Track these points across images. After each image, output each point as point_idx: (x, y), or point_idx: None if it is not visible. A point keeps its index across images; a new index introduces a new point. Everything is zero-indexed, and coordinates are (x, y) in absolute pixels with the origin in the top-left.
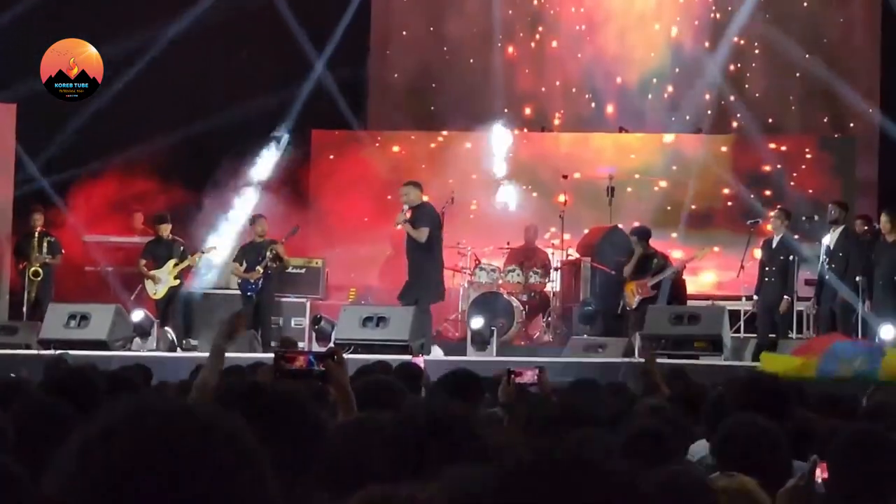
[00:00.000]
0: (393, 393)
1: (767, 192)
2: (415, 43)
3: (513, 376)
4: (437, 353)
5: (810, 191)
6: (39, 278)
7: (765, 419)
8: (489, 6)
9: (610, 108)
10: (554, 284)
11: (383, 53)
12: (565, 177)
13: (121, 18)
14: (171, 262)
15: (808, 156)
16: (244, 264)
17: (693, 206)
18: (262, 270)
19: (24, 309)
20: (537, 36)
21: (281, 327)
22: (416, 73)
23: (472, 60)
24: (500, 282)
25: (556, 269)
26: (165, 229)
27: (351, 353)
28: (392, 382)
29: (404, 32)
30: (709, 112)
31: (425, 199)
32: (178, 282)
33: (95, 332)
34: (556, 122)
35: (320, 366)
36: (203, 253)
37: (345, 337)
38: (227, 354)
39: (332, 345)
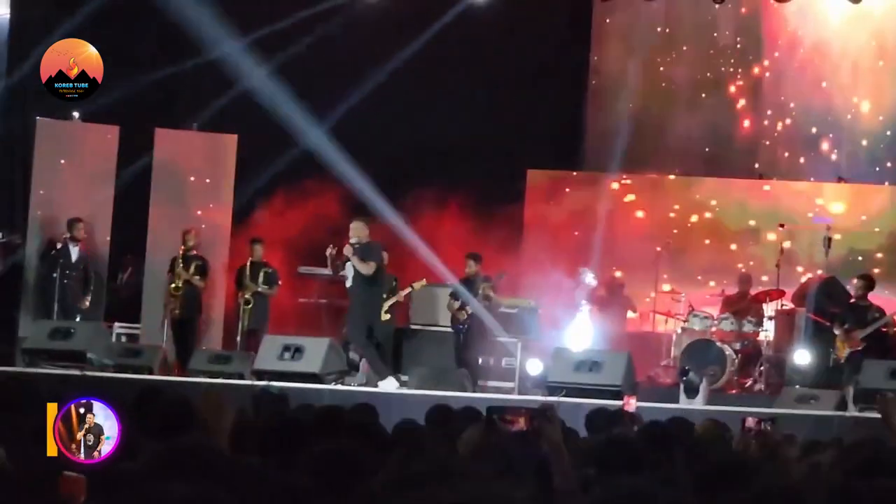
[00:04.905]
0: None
1: None
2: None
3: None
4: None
5: None
6: (250, 306)
7: None
8: (708, 50)
9: (830, 156)
10: (768, 333)
11: (601, 92)
12: (782, 225)
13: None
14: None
15: None
16: (459, 300)
17: None
18: (468, 312)
19: (238, 338)
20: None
21: (491, 367)
22: (631, 113)
23: (689, 109)
24: (714, 329)
25: (770, 319)
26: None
27: (563, 396)
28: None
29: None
30: None
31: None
32: (388, 316)
33: (309, 366)
34: (772, 168)
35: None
36: (413, 288)
37: (556, 380)
38: (435, 392)
39: (545, 400)
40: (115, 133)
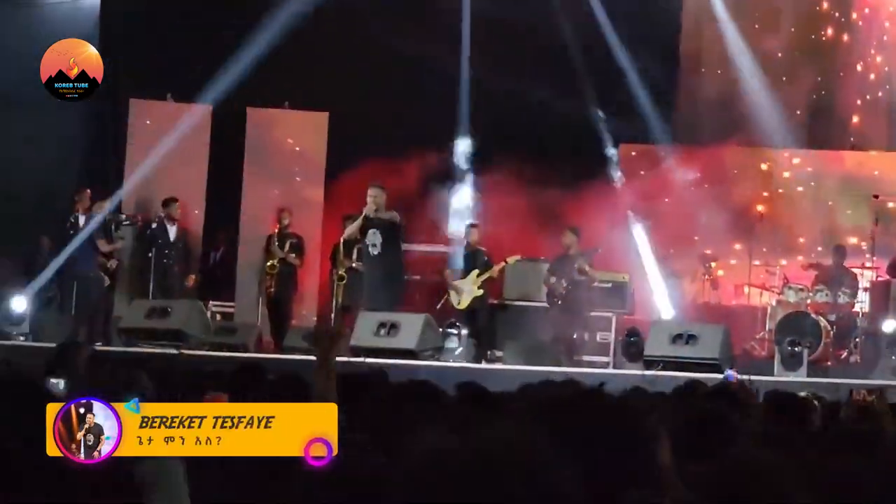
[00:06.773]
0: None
1: None
2: (723, 56)
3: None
4: None
5: None
6: (344, 283)
7: None
8: (798, 17)
9: None
10: (862, 305)
11: (694, 66)
12: (876, 196)
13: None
14: (474, 272)
15: None
16: (555, 276)
17: None
18: (564, 285)
19: (332, 315)
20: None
21: (587, 341)
22: (725, 85)
23: (784, 79)
24: (809, 301)
25: (865, 290)
26: (474, 234)
27: (660, 369)
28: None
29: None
30: None
31: None
32: (481, 292)
33: (405, 342)
34: (866, 138)
35: None
36: (507, 263)
37: (654, 354)
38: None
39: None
40: (207, 112)
